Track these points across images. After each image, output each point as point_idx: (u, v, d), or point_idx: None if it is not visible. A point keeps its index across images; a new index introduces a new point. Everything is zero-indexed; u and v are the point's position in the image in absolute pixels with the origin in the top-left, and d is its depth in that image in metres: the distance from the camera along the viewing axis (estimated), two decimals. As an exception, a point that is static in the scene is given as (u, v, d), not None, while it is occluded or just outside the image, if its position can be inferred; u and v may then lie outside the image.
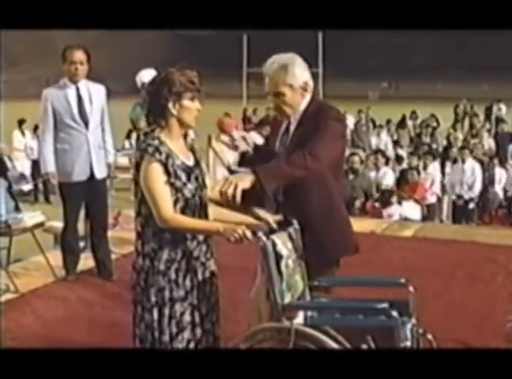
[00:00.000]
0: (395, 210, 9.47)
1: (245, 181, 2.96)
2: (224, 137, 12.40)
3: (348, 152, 11.80)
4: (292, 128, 3.40)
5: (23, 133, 14.37)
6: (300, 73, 3.31)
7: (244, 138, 3.60)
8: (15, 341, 4.31)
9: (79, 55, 5.41)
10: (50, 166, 5.48)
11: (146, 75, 6.47)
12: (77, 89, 5.48)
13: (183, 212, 2.98)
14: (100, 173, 5.61)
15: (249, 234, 2.90)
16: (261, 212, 3.27)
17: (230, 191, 2.90)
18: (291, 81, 3.29)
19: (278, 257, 2.98)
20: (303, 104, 3.37)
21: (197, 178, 3.06)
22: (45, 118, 5.47)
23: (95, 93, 5.59)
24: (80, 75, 5.46)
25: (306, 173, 3.16)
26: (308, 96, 3.38)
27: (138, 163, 2.96)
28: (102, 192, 5.75)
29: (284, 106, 3.34)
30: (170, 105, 2.98)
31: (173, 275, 3.00)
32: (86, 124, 5.49)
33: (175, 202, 2.96)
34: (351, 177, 9.84)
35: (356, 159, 10.12)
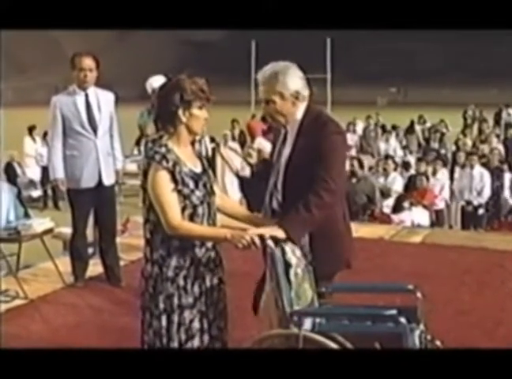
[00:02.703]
0: (407, 216, 9.46)
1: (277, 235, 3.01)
2: (233, 144, 12.48)
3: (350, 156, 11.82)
4: (290, 139, 3.36)
5: (34, 140, 14.40)
6: (292, 81, 3.25)
7: (259, 151, 3.57)
8: (24, 347, 4.32)
9: (88, 62, 5.42)
10: (58, 172, 5.51)
11: (156, 81, 6.48)
12: (86, 96, 5.50)
13: (191, 219, 2.99)
14: (109, 179, 5.63)
15: (257, 240, 2.91)
16: (269, 220, 3.26)
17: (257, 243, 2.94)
18: (281, 89, 3.24)
19: (287, 265, 2.98)
20: (299, 114, 3.32)
21: (205, 185, 3.06)
22: (54, 125, 5.48)
23: (103, 100, 5.61)
24: (89, 82, 5.47)
25: (328, 210, 3.17)
26: (302, 106, 3.32)
27: (146, 170, 2.98)
28: (110, 198, 5.77)
29: (275, 114, 3.30)
30: (180, 112, 2.99)
31: (181, 282, 3.01)
32: (95, 131, 5.51)
33: (183, 209, 2.96)
34: (353, 180, 9.81)
35: (355, 163, 10.08)
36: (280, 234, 3.03)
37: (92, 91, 5.55)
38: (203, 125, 3.09)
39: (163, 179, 2.93)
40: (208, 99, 3.04)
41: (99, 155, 5.53)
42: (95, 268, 5.91)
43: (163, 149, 2.97)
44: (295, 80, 3.28)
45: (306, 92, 3.32)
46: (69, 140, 5.49)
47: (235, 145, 12.47)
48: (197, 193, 3.01)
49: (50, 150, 5.63)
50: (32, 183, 13.95)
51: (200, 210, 3.02)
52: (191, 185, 2.99)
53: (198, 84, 3.02)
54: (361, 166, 10.35)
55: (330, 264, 3.34)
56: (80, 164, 5.50)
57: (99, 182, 5.56)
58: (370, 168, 12.22)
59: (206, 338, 3.08)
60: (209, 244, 3.08)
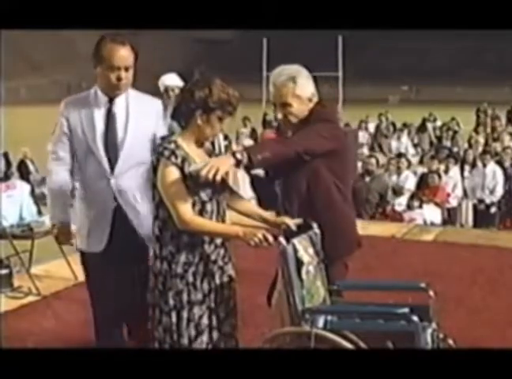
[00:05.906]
0: (418, 214, 9.45)
1: (226, 164, 2.86)
2: (248, 141, 12.44)
3: (366, 154, 11.86)
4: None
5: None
6: (308, 84, 3.33)
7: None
8: (37, 344, 4.35)
9: (123, 53, 3.25)
10: (57, 214, 3.47)
11: (169, 79, 6.49)
12: (110, 105, 3.36)
13: (200, 215, 2.98)
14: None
15: (269, 238, 2.90)
16: (280, 218, 3.24)
17: (210, 175, 2.77)
18: (300, 93, 3.30)
19: (299, 263, 2.98)
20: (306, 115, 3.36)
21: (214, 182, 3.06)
22: (55, 141, 3.43)
23: (135, 113, 3.39)
24: (123, 88, 3.33)
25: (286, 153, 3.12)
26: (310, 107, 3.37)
27: (155, 166, 2.98)
28: (144, 258, 3.34)
29: (290, 116, 3.34)
30: (197, 113, 2.96)
31: (190, 278, 3.01)
32: (111, 163, 3.35)
33: (192, 205, 2.96)
34: (367, 179, 9.89)
35: (373, 161, 10.18)
36: (229, 161, 2.86)
37: (123, 98, 3.39)
38: (215, 135, 3.09)
39: (173, 174, 2.93)
40: (231, 113, 3.01)
41: (112, 203, 3.37)
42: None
43: (172, 145, 2.97)
44: (310, 83, 3.35)
45: (316, 95, 3.38)
46: (79, 171, 3.44)
47: (251, 142, 12.45)
48: (206, 189, 3.01)
49: (50, 176, 3.46)
50: (44, 180, 13.98)
51: (208, 206, 3.01)
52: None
53: (228, 94, 2.97)
54: (377, 164, 10.43)
55: (340, 247, 3.34)
56: (85, 214, 3.45)
57: (109, 246, 3.40)
58: (382, 166, 12.21)
59: (216, 335, 3.09)
60: (218, 241, 3.07)
